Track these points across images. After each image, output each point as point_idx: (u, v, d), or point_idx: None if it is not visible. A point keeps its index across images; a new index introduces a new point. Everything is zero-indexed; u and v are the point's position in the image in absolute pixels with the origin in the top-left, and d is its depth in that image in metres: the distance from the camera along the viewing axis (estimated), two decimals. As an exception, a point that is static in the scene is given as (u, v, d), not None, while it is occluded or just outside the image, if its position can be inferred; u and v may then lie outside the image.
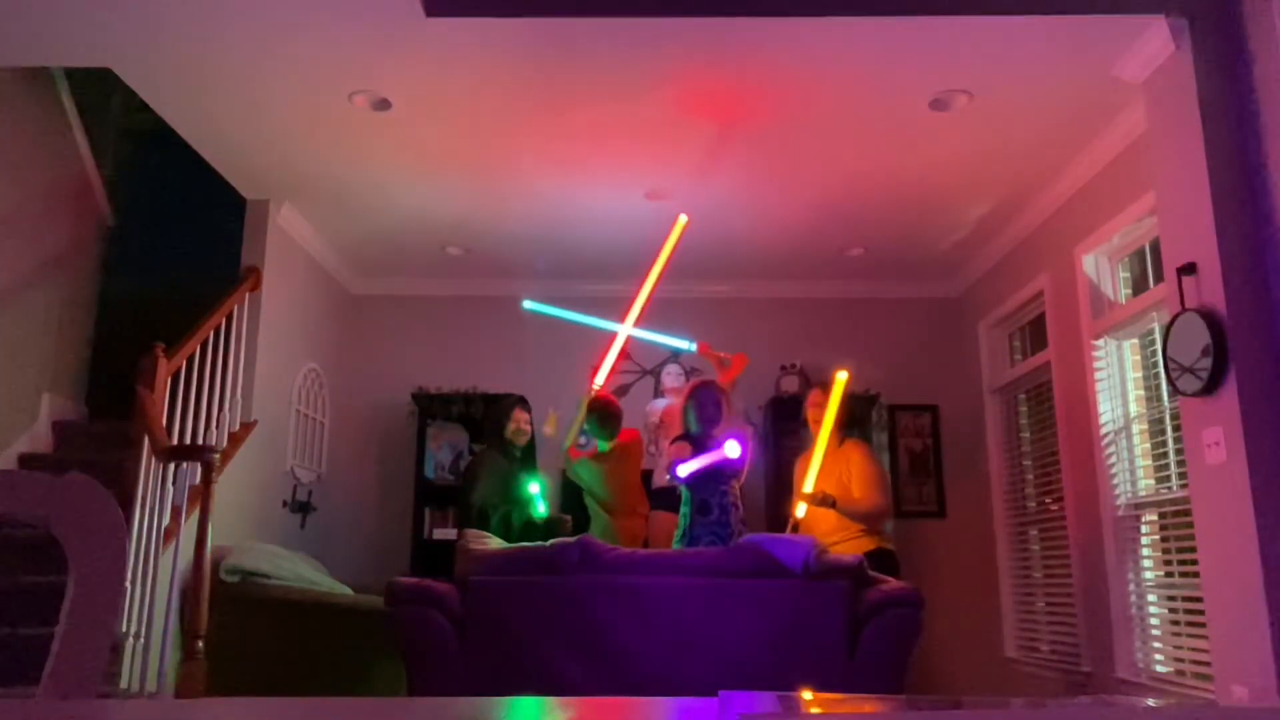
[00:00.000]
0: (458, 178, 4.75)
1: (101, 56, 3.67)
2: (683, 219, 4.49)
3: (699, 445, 4.08)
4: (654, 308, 6.23)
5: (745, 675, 2.98)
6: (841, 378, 4.28)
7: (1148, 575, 4.21)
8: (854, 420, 4.49)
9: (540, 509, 4.61)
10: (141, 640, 3.57)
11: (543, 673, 3.07)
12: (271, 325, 5.04)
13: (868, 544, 3.98)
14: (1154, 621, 4.17)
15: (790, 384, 6.06)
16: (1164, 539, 4.10)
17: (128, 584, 3.52)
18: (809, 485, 4.27)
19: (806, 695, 0.68)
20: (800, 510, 4.24)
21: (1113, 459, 4.38)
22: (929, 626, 3.23)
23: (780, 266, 5.98)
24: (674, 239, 4.48)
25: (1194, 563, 3.50)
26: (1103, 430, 4.42)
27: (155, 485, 3.76)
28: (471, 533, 3.47)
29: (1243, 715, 0.75)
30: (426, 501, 5.95)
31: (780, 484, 5.81)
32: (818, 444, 4.28)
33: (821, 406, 4.36)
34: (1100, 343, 4.48)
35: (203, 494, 3.74)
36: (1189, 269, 3.16)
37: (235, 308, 4.74)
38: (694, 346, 4.96)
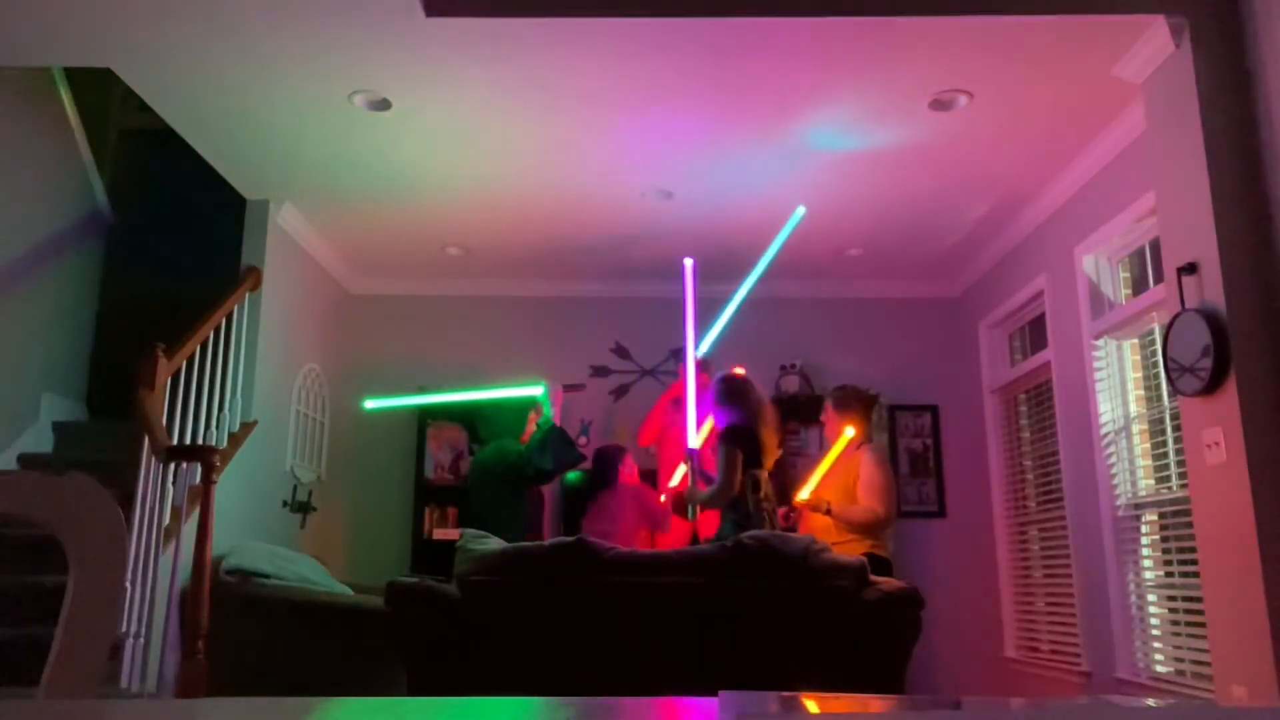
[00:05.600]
0: (458, 178, 4.75)
1: (101, 56, 3.67)
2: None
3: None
4: (652, 308, 6.26)
5: (745, 675, 2.98)
6: (849, 433, 4.34)
7: (1148, 575, 4.21)
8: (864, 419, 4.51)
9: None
10: (141, 640, 3.57)
11: (542, 672, 3.07)
12: (271, 325, 5.03)
13: (860, 547, 3.97)
14: (1154, 621, 4.17)
15: (790, 384, 6.06)
16: (1164, 539, 4.10)
17: (128, 584, 3.52)
18: (805, 493, 4.29)
19: (806, 695, 0.68)
20: (802, 495, 4.27)
21: (1113, 459, 4.38)
22: (929, 626, 3.22)
23: (780, 266, 5.97)
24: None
25: (1194, 563, 3.50)
26: (1103, 430, 4.41)
27: (155, 485, 3.76)
28: (471, 533, 3.47)
29: (1243, 715, 0.75)
30: (426, 501, 5.95)
31: (780, 483, 5.81)
32: (824, 461, 4.31)
33: (828, 423, 4.44)
34: (1100, 343, 4.48)
35: (203, 494, 3.74)
36: (1189, 269, 3.16)
37: (235, 308, 4.73)
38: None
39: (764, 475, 4.05)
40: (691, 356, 4.71)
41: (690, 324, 4.71)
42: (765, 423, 4.12)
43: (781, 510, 4.27)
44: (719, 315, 5.04)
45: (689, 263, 4.76)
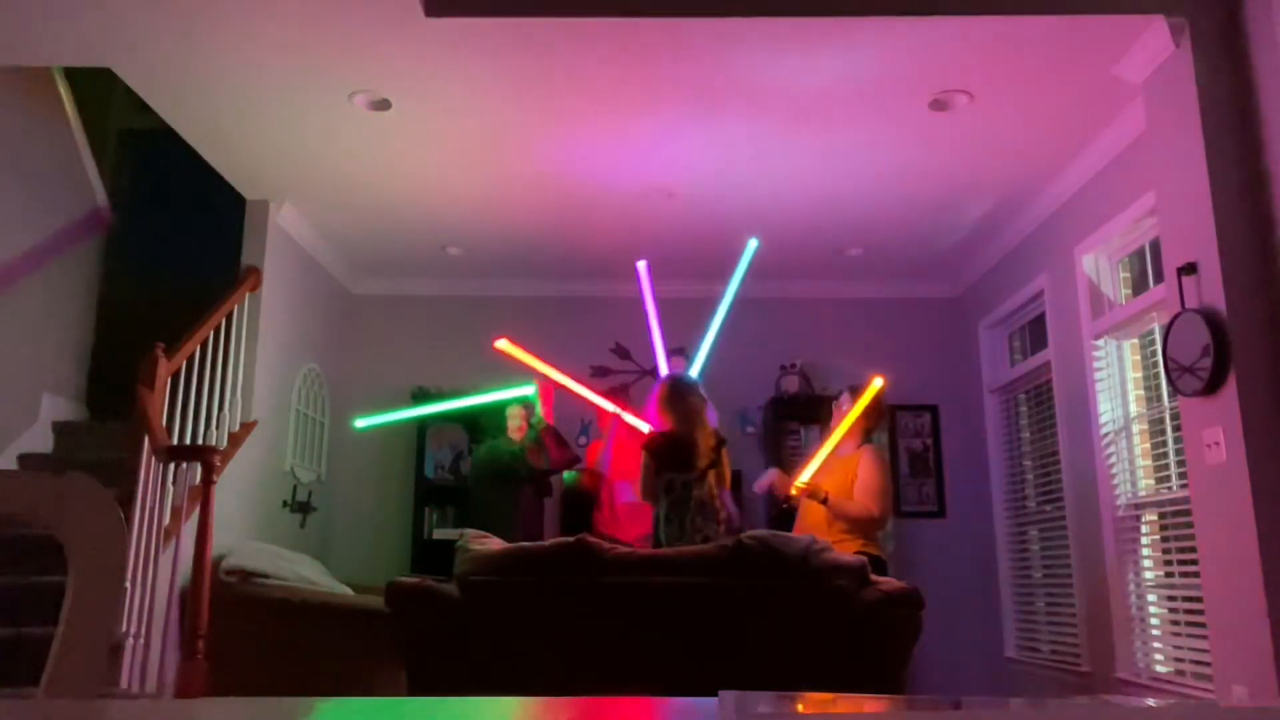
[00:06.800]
0: (458, 178, 4.75)
1: (101, 56, 3.67)
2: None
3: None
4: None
5: (745, 675, 2.98)
6: (876, 384, 4.29)
7: (1148, 575, 4.20)
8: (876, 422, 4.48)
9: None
10: (141, 640, 3.57)
11: (542, 673, 3.07)
12: (271, 325, 5.03)
13: (852, 546, 3.95)
14: (1154, 621, 4.17)
15: (790, 384, 6.06)
16: (1164, 539, 4.10)
17: (128, 584, 3.52)
18: (805, 477, 4.26)
19: (806, 695, 0.68)
20: (802, 479, 4.25)
21: (1113, 459, 4.37)
22: (929, 626, 3.22)
23: (780, 266, 5.98)
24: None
25: (1194, 563, 3.50)
26: (1103, 430, 4.41)
27: (155, 485, 3.76)
28: (471, 533, 3.47)
29: (1243, 715, 0.75)
30: (426, 501, 5.96)
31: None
32: (828, 441, 4.29)
33: (838, 414, 4.40)
34: (1100, 343, 4.48)
35: (203, 494, 3.74)
36: (1189, 269, 3.16)
37: (235, 308, 4.73)
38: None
39: (695, 476, 4.12)
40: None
41: (655, 326, 4.95)
42: (699, 427, 4.22)
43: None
44: (714, 318, 5.03)
45: (642, 265, 5.00)
